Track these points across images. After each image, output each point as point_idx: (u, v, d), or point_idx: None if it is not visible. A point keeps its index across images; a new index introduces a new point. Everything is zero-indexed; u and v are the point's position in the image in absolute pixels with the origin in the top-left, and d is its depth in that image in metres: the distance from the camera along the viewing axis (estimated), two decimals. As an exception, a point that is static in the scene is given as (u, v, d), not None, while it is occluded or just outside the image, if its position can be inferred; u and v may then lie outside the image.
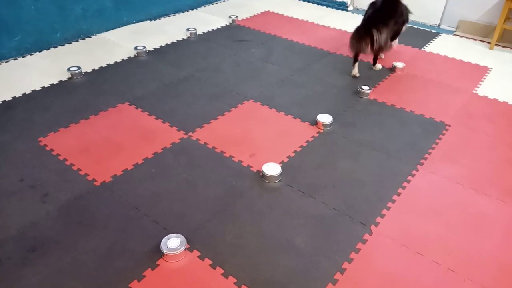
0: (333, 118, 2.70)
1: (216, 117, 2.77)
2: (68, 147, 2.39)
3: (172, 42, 3.85)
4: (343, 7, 4.95)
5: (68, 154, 2.33)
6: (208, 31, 4.17)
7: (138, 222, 1.94)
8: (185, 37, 3.98)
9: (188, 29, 4.03)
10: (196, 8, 4.78)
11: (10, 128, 2.53)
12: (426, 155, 2.46)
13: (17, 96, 2.87)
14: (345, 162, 2.38)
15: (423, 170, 2.34)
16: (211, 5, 4.94)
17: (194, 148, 2.46)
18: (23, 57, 3.41)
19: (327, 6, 5.05)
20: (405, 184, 2.23)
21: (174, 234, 1.81)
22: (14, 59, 3.37)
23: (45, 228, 1.87)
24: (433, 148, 2.53)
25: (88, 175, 2.19)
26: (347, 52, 3.77)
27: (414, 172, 2.33)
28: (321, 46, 3.91)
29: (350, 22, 4.54)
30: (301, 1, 5.19)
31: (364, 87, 3.06)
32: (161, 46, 3.76)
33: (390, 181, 2.26)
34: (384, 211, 2.04)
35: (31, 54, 3.45)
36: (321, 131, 2.64)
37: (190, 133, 2.59)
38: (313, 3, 5.13)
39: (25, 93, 2.91)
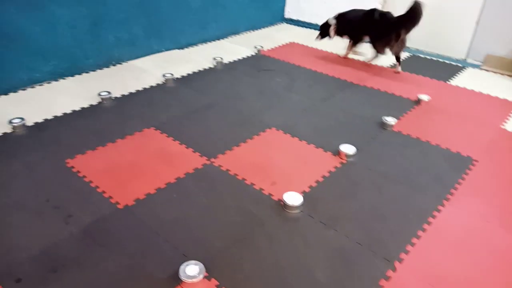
0: (356, 149, 2.67)
1: (239, 144, 2.79)
2: (94, 169, 2.44)
3: (199, 70, 3.96)
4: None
5: (94, 176, 2.38)
6: (234, 60, 4.28)
7: (158, 247, 1.94)
8: (212, 66, 4.09)
9: (214, 58, 4.15)
10: (223, 38, 4.93)
11: (39, 149, 2.62)
12: (453, 190, 2.39)
13: (48, 118, 2.98)
14: (368, 194, 2.34)
15: (450, 206, 2.27)
16: (237, 35, 5.09)
17: (216, 174, 2.48)
18: (56, 81, 3.57)
19: (351, 38, 5.10)
20: (430, 219, 2.16)
21: (193, 261, 1.80)
22: (48, 83, 3.53)
23: (67, 249, 1.89)
24: (460, 184, 2.46)
25: (111, 198, 2.22)
26: (371, 83, 3.79)
27: (440, 207, 2.26)
28: (345, 77, 3.93)
29: (374, 54, 4.57)
30: (326, 33, 5.28)
31: (389, 119, 3.03)
32: (188, 74, 3.87)
33: (415, 215, 2.19)
34: (409, 247, 1.97)
35: (64, 78, 3.61)
36: (344, 161, 2.62)
37: (212, 159, 2.61)
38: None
39: (56, 116, 3.02)
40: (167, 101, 3.33)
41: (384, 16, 3.84)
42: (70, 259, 1.84)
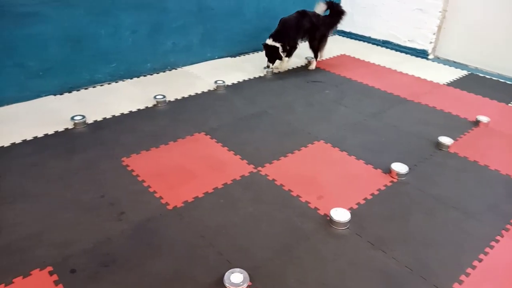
0: (409, 168, 2.58)
1: (286, 154, 2.78)
2: (147, 170, 2.54)
3: (249, 79, 4.01)
4: (423, 55, 4.84)
5: (146, 176, 2.47)
6: (284, 70, 4.29)
7: (203, 251, 1.97)
8: (262, 75, 4.13)
9: (265, 68, 4.19)
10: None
11: (98, 146, 2.76)
12: (513, 220, 2.24)
13: (107, 118, 3.14)
14: (420, 217, 2.24)
15: (508, 237, 2.13)
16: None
17: (262, 183, 2.48)
18: (115, 82, 3.76)
19: (406, 53, 4.97)
20: (487, 249, 2.03)
21: (238, 269, 1.81)
22: (108, 84, 3.72)
23: (118, 245, 1.97)
24: (522, 214, 2.30)
25: (162, 198, 2.30)
26: (426, 100, 3.65)
27: (498, 237, 2.12)
28: (398, 92, 3.82)
29: (430, 70, 4.42)
30: (378, 47, 5.18)
31: (444, 139, 2.90)
32: (238, 82, 3.94)
33: (470, 244, 2.07)
34: (463, 277, 1.87)
35: (122, 80, 3.80)
36: (395, 180, 2.53)
37: (259, 168, 2.62)
38: (391, 49, 5.08)
39: (114, 115, 3.18)
40: (218, 108, 3.40)
41: (319, 15, 4.17)
42: (121, 255, 1.92)
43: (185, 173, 2.54)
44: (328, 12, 4.25)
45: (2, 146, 2.71)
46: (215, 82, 3.78)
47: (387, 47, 5.14)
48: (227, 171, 2.58)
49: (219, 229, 2.11)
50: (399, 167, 2.55)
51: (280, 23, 4.04)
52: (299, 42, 4.17)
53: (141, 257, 1.91)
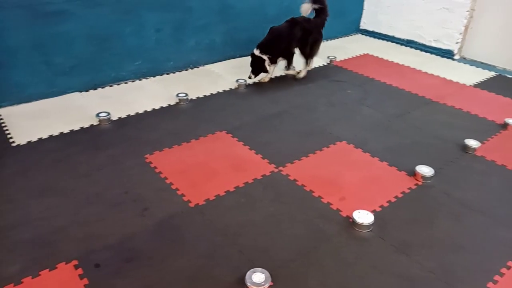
0: (434, 171, 2.52)
1: (307, 154, 2.76)
2: (170, 167, 2.56)
3: (271, 78, 4.00)
4: (449, 55, 4.72)
5: (169, 173, 2.50)
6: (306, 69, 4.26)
7: (224, 249, 1.97)
8: (283, 74, 4.11)
9: (285, 67, 4.16)
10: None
11: (122, 143, 2.81)
12: (544, 228, 2.16)
13: (130, 115, 3.19)
14: (445, 222, 2.19)
15: (540, 245, 2.05)
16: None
17: (283, 183, 2.47)
18: (139, 80, 3.81)
19: (431, 53, 4.85)
20: (516, 257, 1.97)
21: (259, 269, 1.81)
22: (132, 81, 3.78)
23: (141, 241, 2.00)
24: (553, 221, 2.21)
25: (184, 196, 2.31)
26: (452, 102, 3.56)
27: (528, 244, 2.05)
28: (422, 93, 3.74)
29: (456, 71, 4.31)
30: (402, 46, 5.08)
31: (471, 142, 2.83)
32: (260, 81, 3.93)
33: (497, 250, 2.01)
34: (490, 285, 1.81)
35: (146, 78, 3.85)
36: (420, 183, 2.48)
37: (280, 168, 2.61)
38: (415, 49, 4.98)
39: (137, 113, 3.22)
40: (239, 106, 3.41)
41: (310, 19, 3.88)
42: (144, 251, 1.94)
43: (207, 171, 2.55)
44: (313, 13, 3.88)
45: (30, 141, 2.79)
46: (237, 80, 3.79)
47: (411, 47, 5.04)
48: (248, 170, 2.58)
49: (240, 228, 2.11)
50: (425, 170, 2.50)
51: (270, 32, 3.73)
52: (294, 51, 3.89)
53: (163, 253, 1.93)
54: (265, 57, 3.65)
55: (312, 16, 3.89)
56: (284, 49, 3.80)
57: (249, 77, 3.77)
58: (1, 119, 3.05)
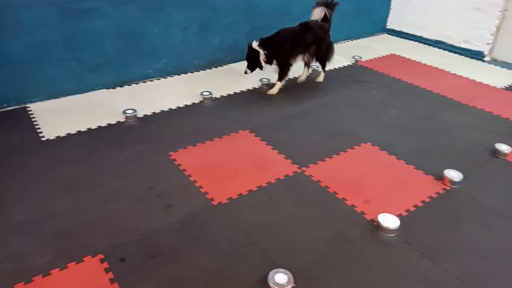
0: (463, 176, 2.45)
1: (331, 155, 2.73)
2: (193, 164, 2.58)
3: (294, 78, 3.97)
4: (479, 56, 4.58)
5: (193, 171, 2.52)
6: (330, 69, 4.21)
7: (246, 249, 1.97)
8: (308, 74, 4.07)
9: (310, 66, 4.13)
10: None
11: (147, 140, 2.85)
12: None
13: (156, 112, 3.23)
14: (473, 228, 2.12)
15: None
16: (335, 44, 4.99)
17: (306, 184, 2.45)
18: (164, 78, 3.86)
19: (460, 54, 4.72)
20: (550, 268, 1.89)
21: (282, 270, 1.80)
22: (157, 79, 3.83)
23: (166, 237, 2.02)
24: None
25: (207, 194, 2.33)
26: (481, 104, 3.46)
27: (562, 255, 1.97)
28: (451, 95, 3.64)
29: (486, 73, 4.17)
30: (430, 47, 4.96)
31: (502, 147, 2.73)
32: (286, 80, 3.91)
33: (529, 260, 1.94)
34: (522, 295, 1.75)
35: (171, 76, 3.89)
36: (448, 188, 2.41)
37: (303, 168, 2.59)
38: (443, 50, 4.85)
39: (162, 110, 3.26)
40: (262, 106, 3.40)
41: (324, 25, 3.70)
42: (168, 247, 1.96)
43: (230, 169, 2.56)
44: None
45: (59, 136, 2.86)
46: (260, 80, 3.78)
47: (439, 48, 4.91)
48: (271, 169, 2.57)
49: (263, 227, 2.11)
50: (453, 174, 2.43)
51: (277, 32, 3.50)
52: (294, 61, 3.61)
53: (187, 250, 1.95)
54: (261, 50, 3.40)
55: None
56: (289, 52, 3.51)
57: (245, 72, 3.56)
58: (31, 114, 3.15)
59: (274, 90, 3.64)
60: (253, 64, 3.50)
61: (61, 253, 1.91)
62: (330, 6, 3.70)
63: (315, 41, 3.62)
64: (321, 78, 3.92)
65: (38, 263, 1.85)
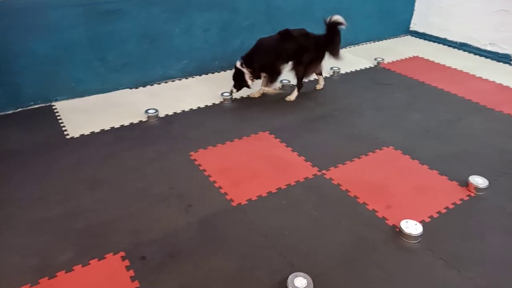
0: (489, 183, 2.38)
1: (352, 159, 2.70)
2: (213, 165, 2.59)
3: (315, 79, 3.94)
4: (506, 59, 4.44)
5: (212, 171, 2.53)
6: (351, 71, 4.17)
7: (265, 251, 1.97)
8: (328, 75, 4.04)
9: (331, 68, 4.10)
10: (341, 49, 4.81)
11: (168, 140, 2.88)
12: None
13: (177, 112, 3.27)
14: (500, 237, 2.06)
15: None
16: (356, 46, 4.95)
17: (326, 187, 2.43)
18: (185, 78, 3.90)
19: (486, 57, 4.59)
20: None
21: (301, 274, 1.79)
22: (179, 80, 3.87)
23: (185, 237, 2.04)
24: None
25: (227, 194, 2.33)
26: (509, 109, 3.35)
27: None
28: (476, 99, 3.54)
29: (514, 77, 4.05)
30: (455, 50, 4.84)
31: (531, 153, 2.65)
32: (304, 82, 3.88)
33: (560, 272, 1.87)
34: (551, 309, 1.69)
35: (192, 77, 3.92)
36: (473, 195, 2.35)
37: (323, 171, 2.57)
38: (468, 53, 4.73)
39: (183, 110, 3.29)
40: (282, 107, 3.39)
41: (308, 34, 3.35)
42: (187, 247, 1.98)
43: (249, 171, 2.56)
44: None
45: (83, 134, 2.92)
46: (281, 81, 3.77)
47: (464, 50, 4.79)
48: (290, 172, 2.56)
49: (282, 230, 2.10)
50: (478, 181, 2.37)
51: (256, 44, 3.34)
52: (281, 67, 3.40)
53: (206, 251, 1.96)
54: (245, 70, 3.29)
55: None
56: (269, 64, 3.33)
57: (231, 92, 3.45)
58: (56, 112, 3.23)
59: (255, 94, 3.54)
60: (239, 83, 3.41)
61: (84, 250, 1.95)
62: (331, 27, 3.36)
63: (297, 50, 3.31)
64: (293, 97, 3.50)
65: (61, 259, 1.90)
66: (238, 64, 3.34)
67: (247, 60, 3.31)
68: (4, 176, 2.47)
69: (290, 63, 3.42)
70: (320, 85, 3.77)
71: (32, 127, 3.01)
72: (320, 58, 3.44)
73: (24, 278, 1.79)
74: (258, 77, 3.43)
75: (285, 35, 3.31)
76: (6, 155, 2.68)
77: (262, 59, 3.30)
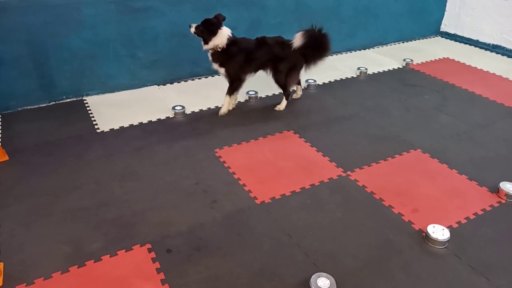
0: (521, 190, 2.31)
1: (378, 161, 2.67)
2: (238, 162, 2.62)
3: (341, 79, 3.92)
4: (543, 62, 4.28)
5: (237, 168, 2.56)
6: (379, 71, 4.12)
7: (289, 250, 1.98)
8: (355, 76, 4.00)
9: (358, 68, 4.06)
10: (369, 48, 4.78)
11: (194, 136, 2.92)
12: None
13: (203, 109, 3.31)
14: (532, 246, 2.00)
15: None
16: (384, 46, 4.88)
17: (351, 189, 2.41)
18: (212, 76, 3.94)
19: (521, 59, 4.44)
20: None
21: (324, 274, 1.79)
22: (205, 77, 3.92)
23: (210, 231, 2.07)
24: None
25: (251, 192, 2.35)
26: (545, 115, 3.23)
27: None
28: (509, 103, 3.43)
29: (551, 80, 3.90)
30: (487, 52, 4.69)
31: None
32: (330, 82, 3.87)
33: None
34: None
35: (218, 75, 3.92)
36: (503, 201, 2.28)
37: (348, 172, 2.55)
38: (502, 55, 4.58)
39: (209, 108, 3.33)
40: (308, 107, 3.38)
41: (285, 43, 3.13)
42: (212, 241, 2.01)
43: (273, 169, 2.57)
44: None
45: (113, 129, 3.01)
46: (306, 81, 3.76)
47: (497, 52, 4.64)
48: (315, 172, 2.56)
49: (305, 230, 2.10)
50: (509, 187, 2.30)
51: (233, 41, 3.11)
52: (246, 76, 3.20)
53: (230, 246, 1.98)
54: (222, 70, 3.13)
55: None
56: (238, 68, 3.11)
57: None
58: (88, 106, 3.33)
59: (223, 110, 3.21)
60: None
61: (112, 240, 2.01)
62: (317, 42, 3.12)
63: (271, 60, 3.14)
64: (282, 106, 3.31)
65: (91, 249, 1.96)
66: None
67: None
68: (39, 166, 2.57)
69: (268, 72, 3.22)
70: (297, 95, 3.53)
71: (65, 120, 3.12)
72: (299, 66, 3.21)
73: (55, 265, 1.87)
74: (220, 65, 3.12)
75: (261, 42, 3.16)
76: (41, 145, 2.79)
77: (235, 63, 3.09)
